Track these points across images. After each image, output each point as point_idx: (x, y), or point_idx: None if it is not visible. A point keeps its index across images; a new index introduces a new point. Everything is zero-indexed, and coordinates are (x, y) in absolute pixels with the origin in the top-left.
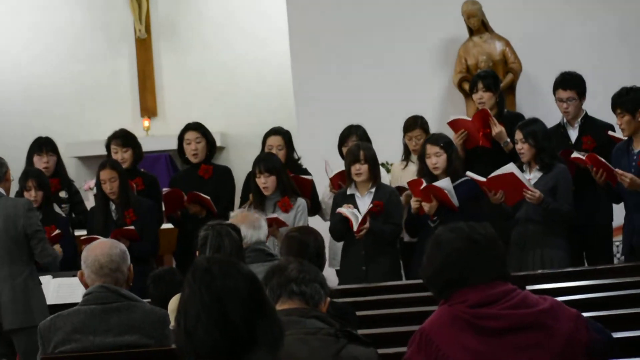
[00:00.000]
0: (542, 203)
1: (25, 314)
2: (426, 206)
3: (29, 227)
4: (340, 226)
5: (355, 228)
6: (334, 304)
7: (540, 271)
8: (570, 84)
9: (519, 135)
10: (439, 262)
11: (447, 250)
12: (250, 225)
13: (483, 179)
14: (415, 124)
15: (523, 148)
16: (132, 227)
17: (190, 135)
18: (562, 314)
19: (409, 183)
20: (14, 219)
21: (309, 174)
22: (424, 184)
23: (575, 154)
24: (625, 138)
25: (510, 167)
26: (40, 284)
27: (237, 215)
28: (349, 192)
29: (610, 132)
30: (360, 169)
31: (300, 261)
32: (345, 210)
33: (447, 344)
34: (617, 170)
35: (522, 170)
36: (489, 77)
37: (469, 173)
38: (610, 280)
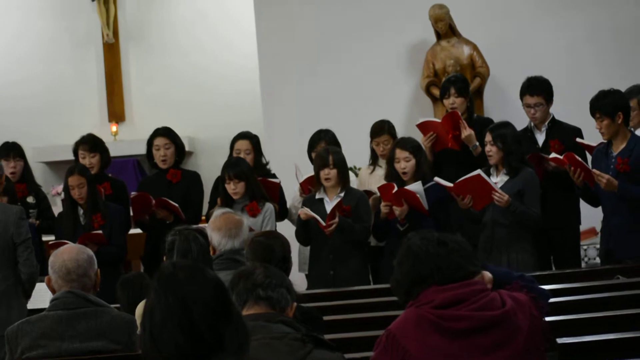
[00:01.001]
0: (510, 206)
1: (5, 322)
2: (397, 210)
3: (18, 236)
4: (302, 230)
5: (324, 223)
6: (301, 309)
7: None
8: (538, 89)
9: (488, 137)
10: (408, 264)
11: (416, 251)
12: (227, 233)
13: (450, 184)
14: (382, 129)
15: (491, 150)
16: (99, 232)
17: (159, 141)
18: (520, 308)
19: (379, 188)
20: (4, 226)
21: (276, 178)
22: (396, 188)
23: (553, 155)
24: (593, 144)
25: (477, 171)
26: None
27: (218, 217)
28: (317, 196)
29: (578, 140)
30: (329, 174)
31: (266, 266)
32: (306, 211)
33: (414, 345)
34: (594, 170)
35: (489, 174)
36: (460, 82)
37: (436, 179)
38: (577, 284)
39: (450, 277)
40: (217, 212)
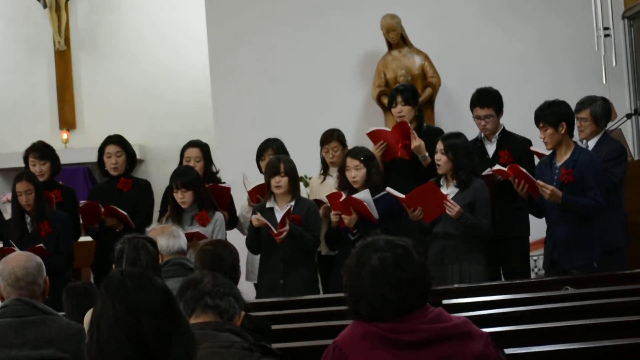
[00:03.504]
0: (461, 218)
1: None
2: (346, 219)
3: None
4: (254, 237)
5: (275, 231)
6: (250, 318)
7: (457, 285)
8: (488, 101)
9: (440, 146)
10: (357, 292)
11: (367, 285)
12: (170, 234)
13: (402, 196)
14: (331, 136)
15: (441, 160)
16: (41, 245)
17: (111, 149)
18: (474, 331)
19: (328, 196)
20: None
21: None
22: (344, 197)
23: (497, 166)
24: (547, 152)
25: (429, 182)
26: None
27: (155, 228)
28: (268, 205)
29: (532, 148)
30: (280, 182)
31: (214, 275)
32: (258, 217)
33: (361, 358)
34: (538, 182)
35: (439, 185)
36: (408, 91)
37: (388, 189)
38: (526, 295)
39: (400, 314)
40: (151, 227)
